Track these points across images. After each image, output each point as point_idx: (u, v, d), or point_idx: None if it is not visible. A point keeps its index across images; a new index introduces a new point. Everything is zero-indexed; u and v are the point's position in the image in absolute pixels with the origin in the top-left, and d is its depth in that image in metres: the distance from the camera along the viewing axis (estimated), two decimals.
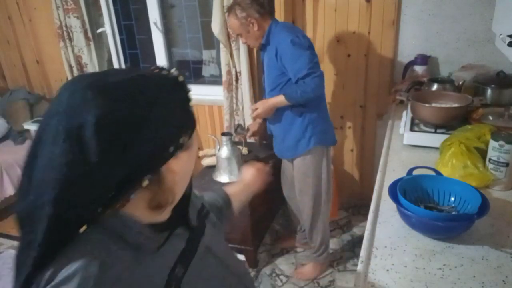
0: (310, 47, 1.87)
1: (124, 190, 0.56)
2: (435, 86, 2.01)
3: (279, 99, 1.91)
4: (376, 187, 1.36)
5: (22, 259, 0.58)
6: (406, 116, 1.81)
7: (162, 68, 0.64)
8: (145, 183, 0.57)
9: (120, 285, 0.57)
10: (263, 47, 2.00)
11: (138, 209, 0.62)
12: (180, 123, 0.62)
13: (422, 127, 1.70)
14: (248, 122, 2.80)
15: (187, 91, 0.64)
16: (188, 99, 0.64)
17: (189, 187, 0.75)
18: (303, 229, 2.36)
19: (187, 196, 0.74)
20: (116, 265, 0.57)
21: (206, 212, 0.83)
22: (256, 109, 2.01)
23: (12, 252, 2.66)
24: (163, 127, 0.58)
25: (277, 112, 2.00)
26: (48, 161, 0.54)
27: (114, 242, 0.59)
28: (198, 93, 3.13)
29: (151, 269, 0.62)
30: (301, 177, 2.09)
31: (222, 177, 2.32)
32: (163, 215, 0.68)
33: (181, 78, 0.63)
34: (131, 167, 0.55)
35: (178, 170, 0.63)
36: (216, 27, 2.56)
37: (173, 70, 0.64)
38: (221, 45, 2.64)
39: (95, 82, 0.56)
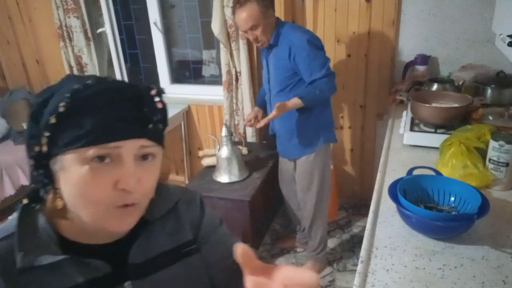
0: (323, 47, 1.89)
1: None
2: (435, 86, 2.01)
3: (296, 102, 1.84)
4: (376, 187, 1.36)
5: None
6: (406, 116, 1.81)
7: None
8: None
9: None
10: (269, 47, 1.94)
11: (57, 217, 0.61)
12: (49, 124, 0.56)
13: (422, 127, 1.69)
14: None
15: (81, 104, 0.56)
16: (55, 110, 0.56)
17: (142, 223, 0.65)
18: (303, 228, 2.36)
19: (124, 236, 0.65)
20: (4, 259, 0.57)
21: (190, 250, 0.71)
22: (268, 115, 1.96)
23: None
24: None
25: (282, 114, 1.95)
26: None
27: (22, 232, 0.59)
28: (198, 93, 3.13)
29: (31, 276, 0.57)
30: (305, 175, 2.09)
31: (222, 177, 2.32)
32: (95, 237, 0.63)
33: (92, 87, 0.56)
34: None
35: (60, 185, 0.58)
36: (216, 27, 2.56)
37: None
38: (221, 45, 2.64)
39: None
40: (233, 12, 1.86)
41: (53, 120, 0.55)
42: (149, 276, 0.65)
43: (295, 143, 2.04)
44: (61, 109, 0.54)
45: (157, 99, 0.61)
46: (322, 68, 1.82)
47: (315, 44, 1.83)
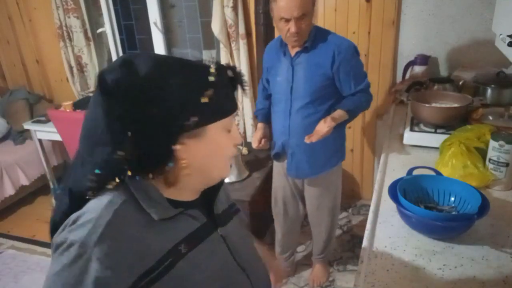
0: None
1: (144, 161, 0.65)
2: (435, 86, 2.01)
3: (342, 115, 1.63)
4: (376, 187, 1.36)
5: (59, 204, 0.69)
6: (406, 116, 1.81)
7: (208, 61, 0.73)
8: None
9: (125, 237, 0.63)
10: (300, 50, 1.65)
11: (158, 182, 0.70)
12: (187, 104, 0.65)
13: (422, 127, 1.69)
14: (248, 122, 2.81)
15: (210, 80, 0.68)
16: (206, 87, 0.67)
17: (220, 182, 0.82)
18: (291, 256, 2.26)
19: (216, 187, 0.81)
20: (128, 220, 0.64)
21: (236, 209, 0.89)
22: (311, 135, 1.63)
23: (12, 252, 2.66)
24: (169, 101, 0.64)
25: (307, 129, 1.67)
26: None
27: (133, 203, 0.66)
28: None
29: (157, 236, 0.66)
30: (322, 193, 1.93)
31: None
32: (184, 195, 0.74)
33: (212, 69, 0.69)
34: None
35: (185, 156, 0.68)
36: (216, 27, 2.56)
37: (212, 63, 0.71)
38: (221, 45, 2.64)
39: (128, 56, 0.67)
40: None
41: (209, 92, 0.67)
42: (227, 224, 0.82)
43: (314, 162, 1.82)
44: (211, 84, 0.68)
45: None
46: (365, 78, 1.70)
47: (358, 53, 1.70)
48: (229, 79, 0.72)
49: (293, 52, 1.67)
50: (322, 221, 2.04)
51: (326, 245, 2.16)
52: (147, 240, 0.65)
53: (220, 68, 0.71)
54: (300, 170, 1.85)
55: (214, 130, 0.70)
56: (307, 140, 1.57)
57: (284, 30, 1.55)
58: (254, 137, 1.87)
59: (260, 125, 1.91)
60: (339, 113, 1.63)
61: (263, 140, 1.84)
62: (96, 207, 0.64)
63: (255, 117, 2.07)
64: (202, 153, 0.70)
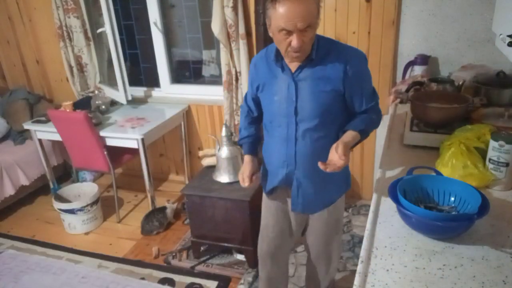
0: None
1: None
2: (435, 86, 2.01)
3: (355, 137, 1.38)
4: (376, 187, 1.36)
5: None
6: (406, 116, 1.81)
7: None
8: None
9: None
10: (302, 64, 1.37)
11: None
12: None
13: (422, 127, 1.69)
14: None
15: None
16: None
17: None
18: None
19: None
20: None
21: None
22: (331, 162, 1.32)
23: (12, 252, 2.66)
24: None
25: (318, 156, 1.39)
26: None
27: None
28: (198, 93, 3.13)
29: None
30: (332, 225, 1.68)
31: (222, 177, 2.32)
32: None
33: None
34: None
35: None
36: (216, 27, 2.56)
37: None
38: (221, 45, 2.64)
39: None
40: (274, 0, 1.24)
41: None
42: None
43: (325, 193, 1.57)
44: None
45: None
46: (375, 93, 1.47)
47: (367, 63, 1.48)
48: None
49: (293, 66, 1.39)
50: (332, 257, 1.75)
51: (333, 279, 1.86)
52: None
53: None
54: (308, 204, 1.57)
55: None
56: (322, 167, 1.28)
57: (283, 43, 1.28)
58: (242, 173, 1.54)
59: (247, 158, 1.59)
60: (351, 136, 1.37)
61: (254, 176, 1.54)
62: None
63: (240, 146, 1.71)
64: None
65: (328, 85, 1.37)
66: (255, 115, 1.64)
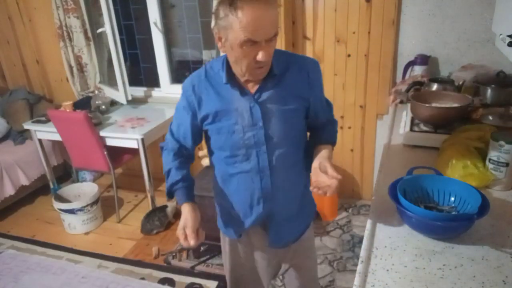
0: None
1: None
2: (435, 86, 2.01)
3: (330, 152, 1.25)
4: (376, 187, 1.36)
5: None
6: (406, 116, 1.81)
7: None
8: None
9: None
10: (270, 80, 1.18)
11: None
12: None
13: (422, 127, 1.69)
14: None
15: None
16: None
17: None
18: None
19: None
20: None
21: None
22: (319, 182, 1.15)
23: (12, 252, 2.66)
24: None
25: (295, 183, 1.31)
26: None
27: None
28: None
29: None
30: (309, 254, 1.53)
31: None
32: None
33: None
34: None
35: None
36: None
37: None
38: None
39: None
40: (235, 6, 0.99)
41: None
42: None
43: (300, 220, 1.40)
44: None
45: None
46: (329, 100, 1.37)
47: None
48: None
49: (250, 86, 1.19)
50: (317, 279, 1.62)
51: None
52: None
53: None
54: (284, 236, 1.37)
55: None
56: (320, 192, 1.12)
57: (247, 58, 1.06)
58: (184, 228, 1.21)
59: (188, 207, 1.25)
60: (328, 150, 1.23)
61: (199, 231, 1.23)
62: None
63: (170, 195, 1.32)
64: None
65: (295, 102, 1.21)
66: (189, 152, 1.34)
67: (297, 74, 1.21)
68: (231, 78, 1.17)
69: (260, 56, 1.05)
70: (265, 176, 1.24)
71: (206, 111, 1.21)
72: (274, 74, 1.16)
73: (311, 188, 1.13)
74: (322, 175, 1.13)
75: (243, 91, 1.18)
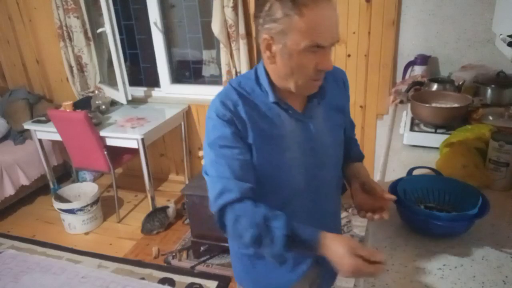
0: None
1: None
2: (435, 86, 2.00)
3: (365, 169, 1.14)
4: None
5: None
6: (406, 116, 1.81)
7: None
8: None
9: None
10: (316, 94, 1.00)
11: None
12: None
13: (422, 127, 1.69)
14: None
15: None
16: None
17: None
18: None
19: None
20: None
21: None
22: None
23: (12, 252, 2.66)
24: None
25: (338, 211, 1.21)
26: None
27: None
28: (198, 93, 3.13)
29: None
30: None
31: None
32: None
33: None
34: None
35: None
36: (216, 27, 2.56)
37: None
38: (221, 45, 2.64)
39: None
40: (298, 3, 0.82)
41: None
42: None
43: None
44: None
45: None
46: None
47: None
48: None
49: (296, 103, 1.00)
50: None
51: None
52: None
53: None
54: (332, 272, 0.92)
55: None
56: (377, 217, 0.97)
57: (309, 66, 0.89)
58: (359, 252, 0.82)
59: (325, 235, 0.87)
60: (364, 169, 1.12)
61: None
62: None
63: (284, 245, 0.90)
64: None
65: (340, 115, 1.08)
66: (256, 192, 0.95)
67: (334, 84, 1.07)
68: (276, 95, 0.97)
69: (325, 64, 0.89)
70: (320, 213, 1.09)
71: (251, 139, 0.96)
72: (323, 86, 0.99)
73: (366, 214, 0.99)
74: (369, 197, 1.02)
75: (290, 110, 0.98)
